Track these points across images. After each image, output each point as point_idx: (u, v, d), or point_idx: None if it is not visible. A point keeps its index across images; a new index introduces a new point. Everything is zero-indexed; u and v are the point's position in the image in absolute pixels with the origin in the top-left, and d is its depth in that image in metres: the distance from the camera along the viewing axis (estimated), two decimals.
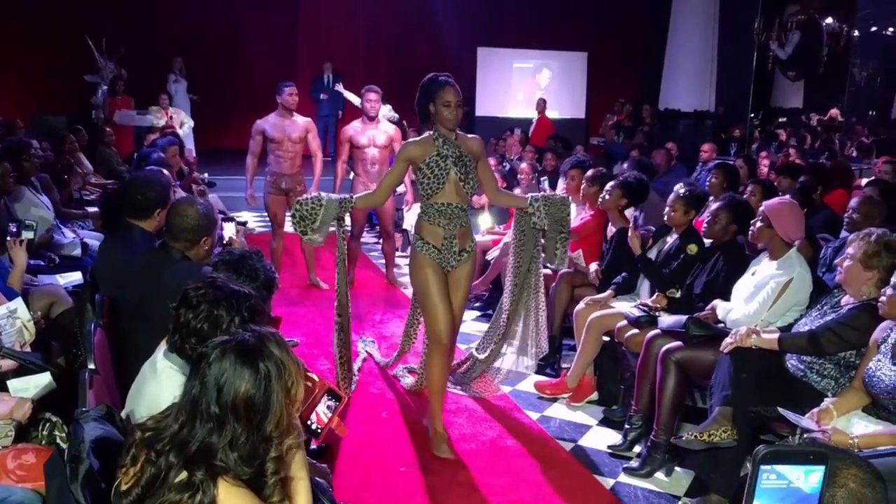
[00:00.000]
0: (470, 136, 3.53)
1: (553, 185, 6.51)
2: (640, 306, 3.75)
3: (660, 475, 3.29)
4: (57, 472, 1.74)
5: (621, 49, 14.36)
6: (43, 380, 2.54)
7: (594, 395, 4.09)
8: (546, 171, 7.07)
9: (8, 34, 10.93)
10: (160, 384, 2.05)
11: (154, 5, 11.92)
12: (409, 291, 5.94)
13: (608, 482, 3.28)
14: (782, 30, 13.80)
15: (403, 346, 4.22)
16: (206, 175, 7.48)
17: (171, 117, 9.62)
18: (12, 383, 2.50)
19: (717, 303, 3.49)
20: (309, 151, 5.98)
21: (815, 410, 2.68)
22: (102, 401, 2.14)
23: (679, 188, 4.04)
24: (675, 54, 11.61)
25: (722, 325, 3.39)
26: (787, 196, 3.93)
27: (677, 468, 3.34)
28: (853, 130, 12.80)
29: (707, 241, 3.83)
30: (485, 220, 6.17)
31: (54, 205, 5.26)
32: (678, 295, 3.77)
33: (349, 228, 5.67)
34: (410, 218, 6.90)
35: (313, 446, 3.07)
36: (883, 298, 2.67)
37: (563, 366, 4.36)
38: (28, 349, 2.75)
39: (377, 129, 5.76)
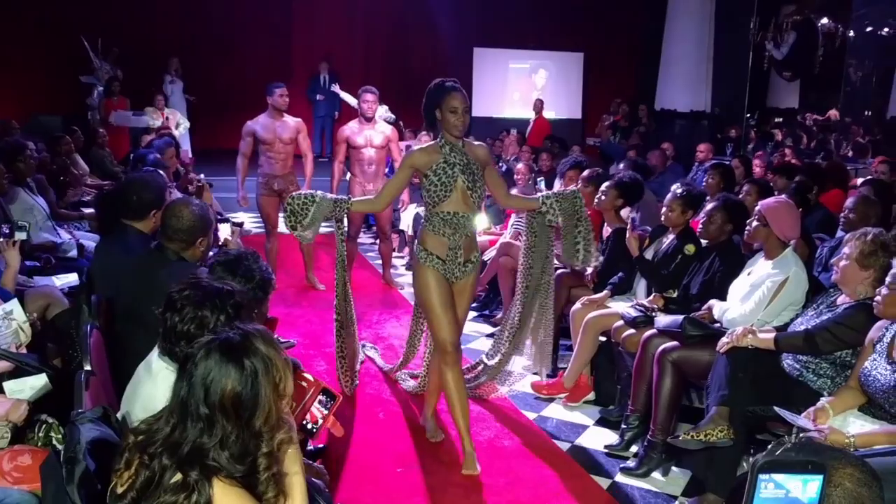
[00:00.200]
0: (476, 143, 3.47)
1: (549, 186, 6.50)
2: (637, 306, 3.75)
3: (656, 475, 3.30)
4: (53, 474, 1.74)
5: (618, 49, 14.37)
6: (39, 381, 2.53)
7: (591, 395, 4.10)
8: (542, 172, 7.07)
9: (3, 35, 10.89)
10: (156, 385, 2.05)
11: (150, 6, 11.89)
12: (405, 292, 5.95)
13: (605, 482, 3.28)
14: (778, 30, 13.80)
15: (407, 355, 4.19)
16: (202, 176, 7.46)
17: (167, 118, 9.60)
18: (8, 385, 2.50)
19: (714, 302, 3.50)
20: (300, 152, 5.97)
21: (811, 410, 2.69)
22: (98, 402, 2.14)
23: (676, 188, 4.04)
24: (672, 55, 11.60)
25: (718, 324, 3.40)
26: (784, 196, 3.94)
27: (674, 468, 3.34)
28: (849, 130, 12.81)
29: (703, 242, 3.83)
30: (481, 221, 6.15)
31: (50, 206, 5.25)
32: (675, 295, 3.78)
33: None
34: (407, 218, 6.91)
35: (310, 447, 3.07)
36: (878, 298, 2.68)
37: (560, 366, 4.36)
38: (24, 351, 2.74)
39: (374, 130, 5.76)
